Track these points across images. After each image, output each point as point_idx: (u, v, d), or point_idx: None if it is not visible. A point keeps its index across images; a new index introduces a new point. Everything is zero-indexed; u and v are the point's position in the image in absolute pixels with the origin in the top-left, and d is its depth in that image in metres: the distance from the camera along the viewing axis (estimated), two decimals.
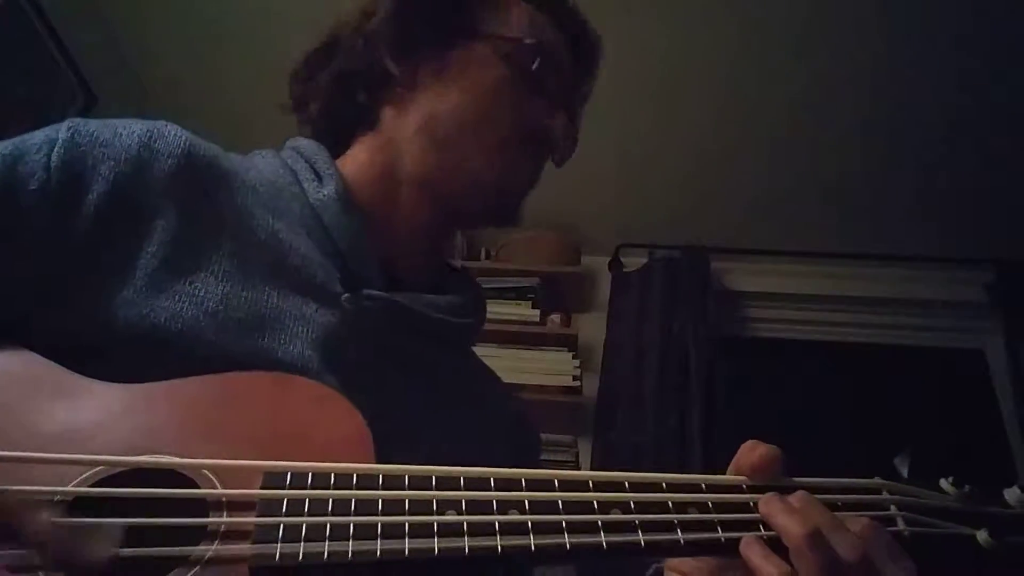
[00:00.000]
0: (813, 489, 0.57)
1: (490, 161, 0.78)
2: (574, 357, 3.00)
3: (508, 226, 0.84)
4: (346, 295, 0.70)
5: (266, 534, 0.47)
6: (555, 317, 3.13)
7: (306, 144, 0.82)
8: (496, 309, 2.86)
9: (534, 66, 0.80)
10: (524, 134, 0.80)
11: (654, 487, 0.54)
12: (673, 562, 0.63)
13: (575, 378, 2.94)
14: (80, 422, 0.53)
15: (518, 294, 3.10)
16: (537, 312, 3.08)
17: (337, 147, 0.84)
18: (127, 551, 0.45)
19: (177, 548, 0.46)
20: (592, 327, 3.15)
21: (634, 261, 3.28)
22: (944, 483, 0.61)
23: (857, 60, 2.57)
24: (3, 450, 0.48)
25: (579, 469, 2.80)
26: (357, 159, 0.82)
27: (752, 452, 0.58)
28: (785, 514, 0.53)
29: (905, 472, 0.61)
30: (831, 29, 2.48)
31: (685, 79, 2.69)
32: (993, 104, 2.65)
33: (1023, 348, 2.97)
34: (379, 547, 0.47)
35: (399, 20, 0.82)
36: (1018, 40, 2.43)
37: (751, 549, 0.52)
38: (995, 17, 2.37)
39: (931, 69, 2.56)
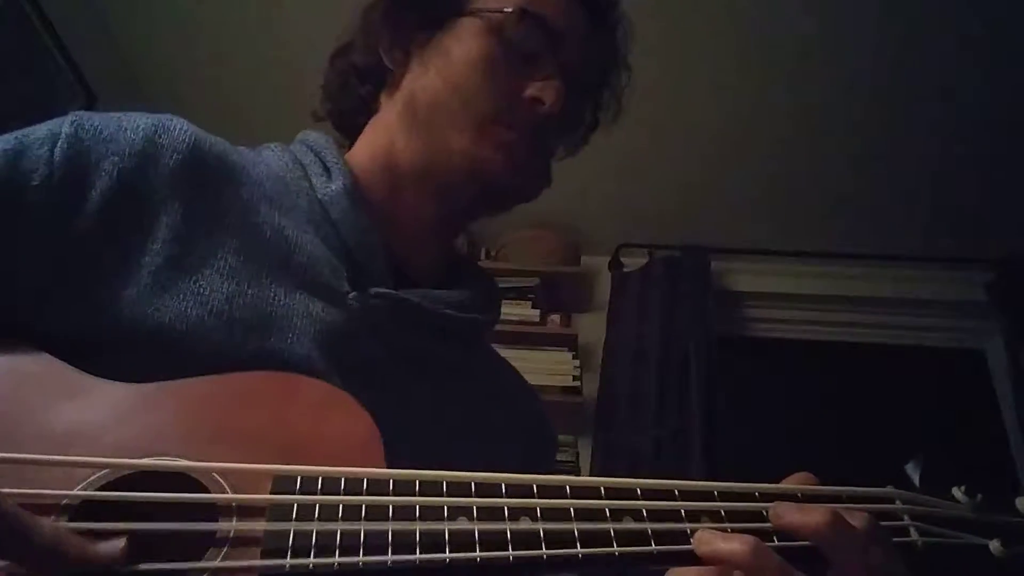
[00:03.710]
0: (824, 498, 0.57)
1: (470, 138, 0.74)
2: (574, 357, 3.00)
3: (513, 205, 0.81)
4: (353, 293, 0.69)
5: (276, 541, 0.46)
6: (555, 317, 3.14)
7: (315, 137, 0.81)
8: None
9: (516, 34, 0.76)
10: (506, 107, 0.75)
11: (666, 494, 0.54)
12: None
13: (575, 378, 2.94)
14: (89, 422, 0.53)
15: (518, 294, 3.10)
16: (537, 312, 3.08)
17: (351, 142, 0.84)
18: (134, 564, 0.45)
19: (184, 555, 0.45)
20: (592, 327, 3.16)
21: (634, 261, 3.28)
22: (957, 492, 0.61)
23: (857, 61, 2.57)
24: (15, 450, 0.48)
25: (579, 469, 2.80)
26: (361, 151, 0.82)
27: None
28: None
29: (917, 480, 0.61)
30: (832, 32, 2.48)
31: (685, 79, 2.69)
32: (993, 104, 2.65)
33: (1023, 348, 2.97)
34: (390, 558, 0.46)
35: (392, 9, 0.82)
36: (1018, 40, 2.43)
37: (706, 540, 0.52)
38: (995, 18, 2.37)
39: (931, 69, 2.56)
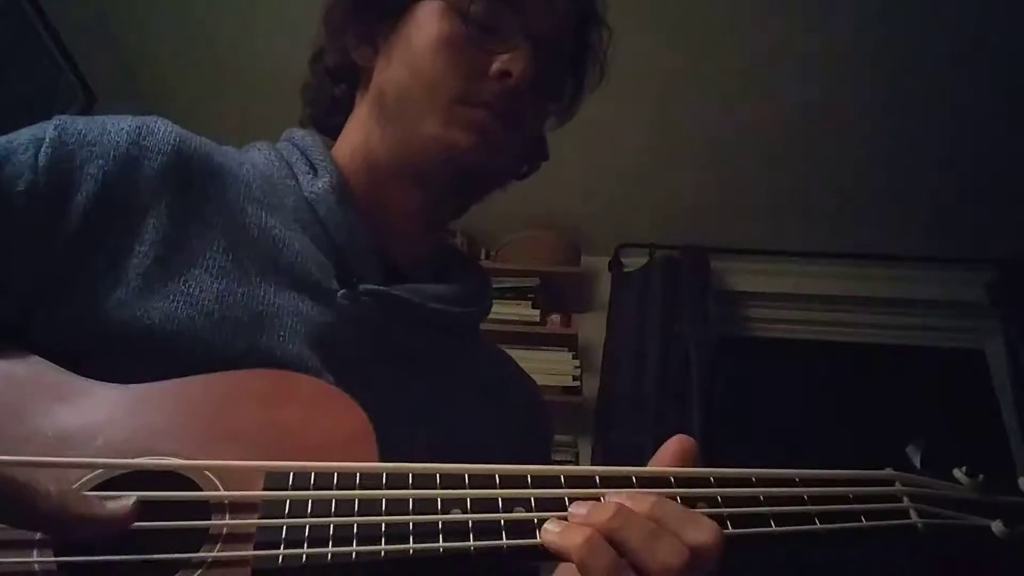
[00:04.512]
0: (824, 481, 0.56)
1: (439, 122, 0.72)
2: (574, 357, 3.00)
3: (498, 185, 0.80)
4: (342, 291, 0.68)
5: (269, 536, 0.46)
6: (555, 317, 3.14)
7: (301, 135, 0.81)
8: (496, 309, 2.86)
9: (474, 9, 0.73)
10: (473, 85, 0.73)
11: (662, 482, 0.53)
12: None
13: (575, 378, 2.94)
14: (82, 424, 0.52)
15: (518, 294, 3.10)
16: (537, 312, 3.08)
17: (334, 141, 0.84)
18: (128, 557, 0.45)
19: (178, 553, 0.45)
20: (592, 327, 3.15)
21: (634, 261, 3.27)
22: (957, 473, 0.60)
23: (857, 61, 2.56)
24: (7, 453, 0.48)
25: None
26: (341, 149, 0.81)
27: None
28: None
29: (917, 462, 0.60)
30: (831, 31, 2.48)
31: (685, 79, 2.69)
32: (993, 104, 2.65)
33: (1023, 348, 2.97)
34: (383, 548, 0.46)
35: (352, 4, 0.81)
36: (1018, 40, 2.43)
37: (546, 536, 0.49)
38: (996, 18, 2.37)
39: (931, 69, 2.56)
